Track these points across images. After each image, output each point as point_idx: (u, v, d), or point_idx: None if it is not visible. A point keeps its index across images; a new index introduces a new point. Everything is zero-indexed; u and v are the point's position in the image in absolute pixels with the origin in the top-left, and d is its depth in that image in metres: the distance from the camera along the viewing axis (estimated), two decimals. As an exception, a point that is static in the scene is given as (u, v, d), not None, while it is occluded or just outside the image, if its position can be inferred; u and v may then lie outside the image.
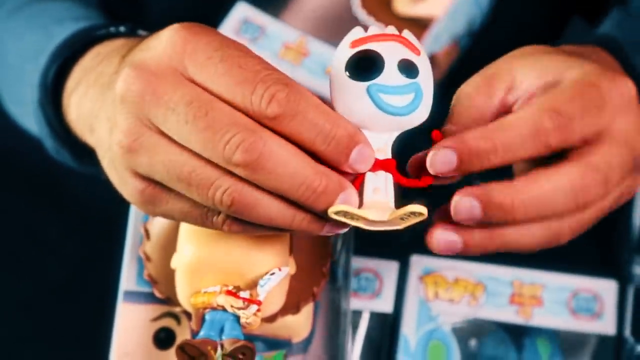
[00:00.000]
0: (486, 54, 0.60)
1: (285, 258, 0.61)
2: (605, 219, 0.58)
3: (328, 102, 0.54)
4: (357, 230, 0.65)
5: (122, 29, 0.67)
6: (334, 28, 0.78)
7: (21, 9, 0.76)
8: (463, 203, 0.53)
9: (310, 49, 0.77)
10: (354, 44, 0.54)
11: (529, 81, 0.56)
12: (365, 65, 0.54)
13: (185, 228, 0.61)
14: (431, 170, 0.54)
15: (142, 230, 0.64)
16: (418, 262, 0.73)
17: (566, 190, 0.54)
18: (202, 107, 0.51)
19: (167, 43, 0.53)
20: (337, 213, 0.52)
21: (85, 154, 0.66)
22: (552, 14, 0.62)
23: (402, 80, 0.54)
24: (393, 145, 0.55)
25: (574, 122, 0.54)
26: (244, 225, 0.54)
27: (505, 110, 0.57)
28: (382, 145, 0.55)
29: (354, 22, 0.78)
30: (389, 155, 0.55)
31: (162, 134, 0.52)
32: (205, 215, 0.54)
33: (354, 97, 0.53)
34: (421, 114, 0.55)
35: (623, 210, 0.73)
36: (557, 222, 0.55)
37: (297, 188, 0.52)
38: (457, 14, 0.80)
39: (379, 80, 0.53)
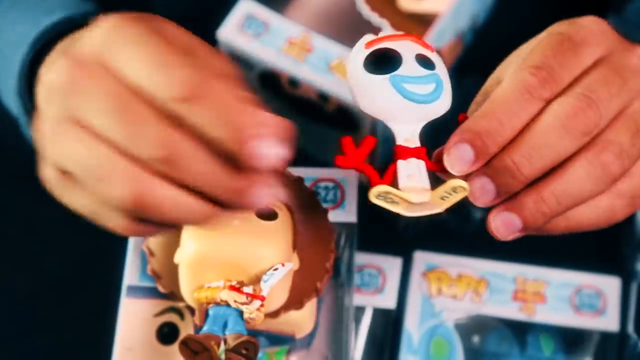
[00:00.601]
0: (490, 49, 0.60)
1: (288, 253, 0.61)
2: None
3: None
4: (360, 225, 0.65)
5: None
6: (338, 24, 0.78)
7: (19, 2, 0.76)
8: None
9: (314, 44, 0.77)
10: (369, 44, 0.55)
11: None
12: (383, 61, 0.54)
13: (188, 223, 0.61)
14: (454, 172, 0.53)
15: (145, 226, 0.64)
16: (421, 258, 0.73)
17: (558, 121, 0.53)
18: (123, 101, 0.51)
19: (97, 31, 0.53)
20: (377, 196, 0.52)
21: None
22: (556, 9, 0.62)
23: (422, 71, 0.54)
24: (421, 136, 0.55)
25: (555, 70, 0.54)
26: (141, 227, 0.54)
27: None
28: (409, 136, 0.55)
29: (358, 18, 0.78)
30: (418, 145, 0.55)
31: (81, 125, 0.52)
32: (105, 214, 0.54)
33: (377, 90, 0.54)
34: (444, 103, 0.55)
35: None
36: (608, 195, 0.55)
37: (211, 186, 0.51)
38: (460, 10, 0.80)
39: (399, 72, 0.54)
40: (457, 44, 0.83)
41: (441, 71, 0.55)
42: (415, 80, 0.54)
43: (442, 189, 0.53)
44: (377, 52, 0.54)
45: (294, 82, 0.76)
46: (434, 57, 0.56)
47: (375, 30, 0.78)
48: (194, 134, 0.51)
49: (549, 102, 0.54)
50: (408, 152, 0.54)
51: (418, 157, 0.54)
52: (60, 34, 0.66)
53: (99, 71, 0.52)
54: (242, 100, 0.51)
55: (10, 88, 0.70)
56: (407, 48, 0.55)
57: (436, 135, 0.56)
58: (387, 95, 0.54)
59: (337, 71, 0.76)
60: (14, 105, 0.71)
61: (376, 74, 0.54)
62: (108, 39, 0.52)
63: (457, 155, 0.53)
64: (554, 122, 0.53)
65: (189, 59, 0.51)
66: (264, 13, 0.78)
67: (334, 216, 0.65)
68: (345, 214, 0.65)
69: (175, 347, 0.63)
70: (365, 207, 0.68)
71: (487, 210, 0.78)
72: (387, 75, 0.54)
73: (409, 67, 0.54)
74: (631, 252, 0.74)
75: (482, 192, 0.54)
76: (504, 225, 0.55)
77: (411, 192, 0.53)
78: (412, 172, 0.53)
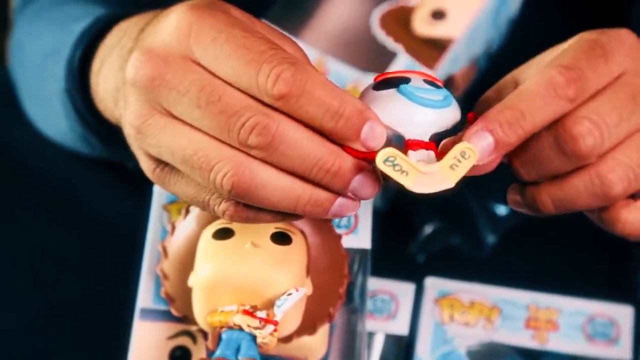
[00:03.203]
0: (504, 75, 0.60)
1: (302, 278, 0.61)
2: (620, 243, 0.58)
3: None
4: (373, 251, 0.65)
5: (143, 11, 0.68)
6: (353, 48, 0.79)
7: (40, 15, 0.77)
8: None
9: (330, 68, 0.77)
10: (377, 77, 0.55)
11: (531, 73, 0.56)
12: (392, 82, 0.54)
13: (203, 247, 0.61)
14: (479, 161, 0.53)
15: (160, 248, 0.64)
16: (433, 285, 0.73)
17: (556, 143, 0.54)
18: (215, 91, 0.52)
19: (173, 26, 0.53)
20: (385, 160, 0.52)
21: (114, 139, 0.67)
22: (570, 34, 0.62)
23: (431, 87, 0.54)
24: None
25: (584, 72, 0.54)
26: (246, 212, 0.54)
27: None
28: (420, 138, 0.54)
29: (373, 42, 0.79)
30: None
31: (172, 116, 0.53)
32: (208, 201, 0.55)
33: (385, 100, 0.54)
34: (454, 113, 0.55)
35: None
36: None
37: (310, 169, 0.52)
38: (475, 36, 0.81)
39: (408, 85, 0.54)
40: (471, 70, 0.83)
41: (450, 93, 0.55)
42: (424, 90, 0.54)
43: (450, 155, 0.52)
44: (386, 78, 0.55)
45: (308, 106, 0.76)
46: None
47: (390, 55, 0.78)
48: (291, 118, 0.52)
49: (574, 103, 0.54)
50: (418, 144, 0.53)
51: (428, 148, 0.54)
52: (98, 33, 0.67)
53: (185, 64, 0.53)
54: (339, 88, 0.52)
55: (52, 91, 0.71)
56: (415, 75, 0.55)
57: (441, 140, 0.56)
58: (396, 102, 0.54)
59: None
60: (56, 108, 0.71)
61: (385, 90, 0.54)
62: (191, 34, 0.53)
63: (477, 143, 0.53)
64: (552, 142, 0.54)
65: (279, 52, 0.52)
66: (280, 37, 0.78)
67: (348, 242, 0.65)
68: (359, 240, 0.66)
69: (187, 370, 0.63)
70: (380, 232, 0.68)
71: (500, 236, 0.78)
72: (395, 89, 0.54)
73: (417, 83, 0.54)
74: (643, 282, 0.74)
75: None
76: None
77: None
78: (421, 159, 0.53)
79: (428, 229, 0.78)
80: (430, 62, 0.77)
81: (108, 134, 0.69)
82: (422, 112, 0.54)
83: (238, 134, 0.51)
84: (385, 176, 0.53)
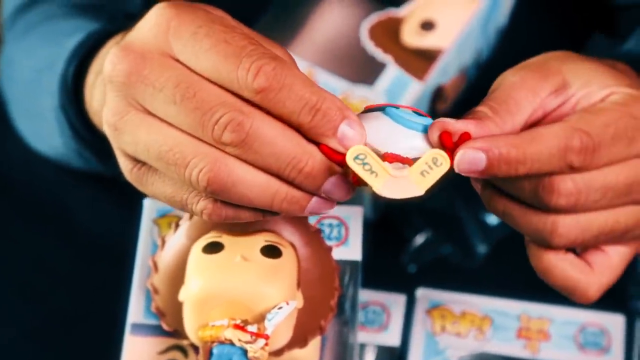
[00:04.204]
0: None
1: (292, 291, 0.61)
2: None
3: None
4: (364, 262, 0.65)
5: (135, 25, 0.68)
6: (342, 59, 0.79)
7: (31, 30, 0.77)
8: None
9: (319, 79, 0.77)
10: (368, 106, 0.55)
11: (577, 88, 0.56)
12: (380, 107, 0.54)
13: (193, 261, 0.61)
14: (456, 169, 0.53)
15: (150, 263, 0.64)
16: (424, 296, 0.73)
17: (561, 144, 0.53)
18: (190, 88, 0.52)
19: (152, 22, 0.53)
20: (355, 158, 0.51)
21: (109, 153, 0.67)
22: (560, 46, 0.62)
23: (417, 116, 0.54)
24: None
25: (601, 147, 0.54)
26: (224, 210, 0.54)
27: (543, 112, 0.56)
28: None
29: (363, 53, 0.79)
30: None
31: (148, 112, 0.53)
32: (186, 200, 0.54)
33: (370, 120, 0.54)
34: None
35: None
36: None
37: (284, 168, 0.52)
38: (464, 46, 0.81)
39: (394, 109, 0.54)
40: (461, 79, 0.83)
41: None
42: (410, 114, 0.54)
43: (422, 161, 0.52)
44: (376, 105, 0.55)
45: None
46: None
47: (380, 66, 0.78)
48: (267, 115, 0.51)
49: (571, 169, 0.54)
50: (395, 157, 0.53)
51: (404, 162, 0.53)
52: (92, 47, 0.67)
53: (163, 60, 0.52)
54: (318, 86, 0.52)
55: (46, 107, 0.71)
56: (405, 106, 0.55)
57: None
58: (381, 122, 0.54)
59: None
60: (50, 123, 0.71)
61: (372, 112, 0.54)
62: (170, 30, 0.53)
63: (470, 160, 0.53)
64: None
65: (259, 47, 0.52)
66: (269, 48, 0.79)
67: (339, 254, 0.65)
68: (349, 252, 0.65)
69: (179, 385, 0.63)
70: (371, 242, 0.68)
71: (491, 245, 0.78)
72: (381, 111, 0.54)
73: (404, 111, 0.54)
74: (635, 291, 0.74)
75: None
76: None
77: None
78: (397, 167, 0.52)
79: (419, 239, 0.78)
80: (419, 73, 0.78)
81: (102, 148, 0.69)
82: (405, 134, 0.53)
83: (212, 131, 0.51)
84: (359, 180, 0.52)
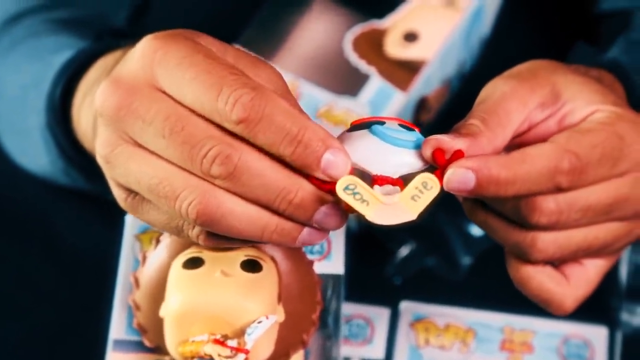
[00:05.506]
0: (477, 96, 0.60)
1: (273, 306, 0.61)
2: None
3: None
4: (348, 275, 0.65)
5: (122, 43, 0.68)
6: (326, 71, 0.79)
7: (16, 46, 0.77)
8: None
9: (303, 91, 0.77)
10: (353, 122, 0.55)
11: (563, 102, 0.56)
12: (366, 124, 0.54)
13: (173, 277, 0.61)
14: (445, 187, 0.53)
15: (131, 279, 0.64)
16: (408, 309, 0.73)
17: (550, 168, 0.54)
18: (179, 121, 0.52)
19: (139, 54, 0.53)
20: (345, 189, 0.51)
21: (96, 173, 0.67)
22: (544, 56, 0.63)
23: (404, 130, 0.54)
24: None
25: (588, 168, 0.54)
26: (218, 238, 0.54)
27: (529, 124, 0.56)
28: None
29: (346, 65, 0.79)
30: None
31: (139, 145, 0.53)
32: (181, 227, 0.54)
33: (357, 140, 0.53)
34: (425, 158, 0.54)
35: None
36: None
37: (273, 199, 0.52)
38: (447, 57, 0.81)
39: (380, 125, 0.54)
40: (444, 90, 0.83)
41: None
42: (396, 131, 0.54)
43: (412, 185, 0.51)
44: (361, 121, 0.55)
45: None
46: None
47: (363, 77, 0.78)
48: (254, 147, 0.51)
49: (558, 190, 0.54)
50: (385, 180, 0.53)
51: (394, 184, 0.53)
52: (79, 67, 0.67)
53: (151, 93, 0.53)
54: (300, 115, 0.51)
55: (32, 125, 0.71)
56: (390, 120, 0.55)
57: None
58: (368, 141, 0.53)
59: (325, 118, 0.76)
60: (36, 142, 0.71)
61: (358, 131, 0.54)
62: (155, 61, 0.53)
63: (459, 179, 0.53)
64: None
65: (240, 77, 0.51)
66: (252, 61, 0.78)
67: (321, 267, 0.65)
68: (332, 265, 0.65)
69: (161, 401, 0.63)
70: (354, 255, 0.68)
71: (475, 258, 0.78)
72: (367, 129, 0.54)
73: (391, 125, 0.54)
74: (616, 303, 0.74)
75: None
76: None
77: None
78: (387, 191, 0.52)
79: (404, 251, 0.78)
80: (403, 84, 0.78)
81: (90, 167, 0.69)
82: (393, 152, 0.53)
83: (201, 164, 0.51)
84: (351, 209, 0.52)
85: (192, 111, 0.52)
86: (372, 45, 0.80)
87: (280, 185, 0.52)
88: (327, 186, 0.52)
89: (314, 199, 0.52)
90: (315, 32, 0.80)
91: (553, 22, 0.88)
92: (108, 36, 0.73)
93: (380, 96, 0.77)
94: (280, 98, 0.51)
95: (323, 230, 0.53)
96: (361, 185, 0.51)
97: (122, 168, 0.54)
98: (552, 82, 0.56)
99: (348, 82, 0.78)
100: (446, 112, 0.83)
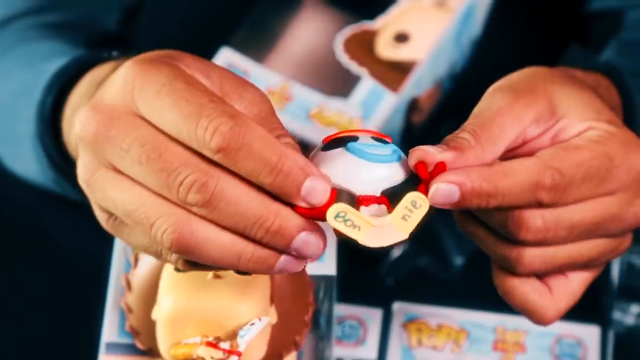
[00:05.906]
0: (468, 96, 0.60)
1: (266, 307, 0.61)
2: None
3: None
4: (341, 276, 0.65)
5: (114, 53, 0.68)
6: (317, 73, 0.79)
7: (6, 52, 0.77)
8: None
9: (293, 93, 0.77)
10: (325, 139, 0.55)
11: (558, 118, 0.56)
12: (340, 141, 0.54)
13: (165, 279, 0.61)
14: (430, 202, 0.53)
15: (123, 282, 0.64)
16: (401, 309, 0.73)
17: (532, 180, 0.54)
18: (156, 148, 0.51)
19: (120, 80, 0.53)
20: (336, 216, 0.51)
21: None
22: (534, 56, 0.63)
23: (378, 143, 0.54)
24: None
25: (572, 186, 0.54)
26: (196, 265, 0.54)
27: (523, 139, 0.56)
28: (371, 195, 0.54)
29: (337, 66, 0.79)
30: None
31: (117, 171, 0.53)
32: (159, 252, 0.54)
33: (334, 160, 0.53)
34: (404, 167, 0.54)
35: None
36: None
37: (250, 227, 0.51)
38: (439, 58, 0.81)
39: (355, 142, 0.54)
40: (435, 91, 0.83)
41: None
42: (372, 146, 0.54)
43: (401, 205, 0.52)
44: (334, 138, 0.55)
45: (273, 133, 0.76)
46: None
47: (354, 78, 0.78)
48: (233, 174, 0.51)
49: (539, 205, 0.54)
50: (369, 200, 0.53)
51: (380, 203, 0.53)
52: (71, 76, 0.67)
53: (130, 120, 0.52)
54: (279, 143, 0.51)
55: (23, 134, 0.71)
56: (362, 133, 0.55)
57: None
58: (345, 160, 0.53)
59: (316, 120, 0.76)
60: (27, 150, 0.71)
61: (333, 150, 0.54)
62: (135, 88, 0.52)
63: (444, 194, 0.53)
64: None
65: (219, 105, 0.51)
66: (244, 62, 0.79)
67: (313, 269, 0.65)
68: (324, 267, 0.65)
69: (154, 404, 0.63)
70: (347, 256, 0.68)
71: (468, 257, 0.78)
72: (343, 147, 0.53)
73: (365, 140, 0.54)
74: (609, 302, 0.74)
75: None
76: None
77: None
78: (374, 213, 0.52)
79: (396, 252, 0.78)
80: (394, 85, 0.78)
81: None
82: (372, 168, 0.53)
83: (177, 192, 0.51)
84: (339, 233, 0.52)
85: (172, 138, 0.52)
86: (363, 47, 0.80)
87: (257, 213, 0.51)
88: (311, 212, 0.52)
89: (292, 227, 0.51)
90: (306, 34, 0.80)
91: (544, 22, 0.88)
92: (99, 42, 0.73)
93: (372, 97, 0.77)
94: (259, 126, 0.51)
95: (301, 257, 0.53)
96: (351, 212, 0.51)
97: (101, 192, 0.53)
98: (549, 96, 0.56)
99: (339, 83, 0.78)
100: (438, 112, 0.83)
